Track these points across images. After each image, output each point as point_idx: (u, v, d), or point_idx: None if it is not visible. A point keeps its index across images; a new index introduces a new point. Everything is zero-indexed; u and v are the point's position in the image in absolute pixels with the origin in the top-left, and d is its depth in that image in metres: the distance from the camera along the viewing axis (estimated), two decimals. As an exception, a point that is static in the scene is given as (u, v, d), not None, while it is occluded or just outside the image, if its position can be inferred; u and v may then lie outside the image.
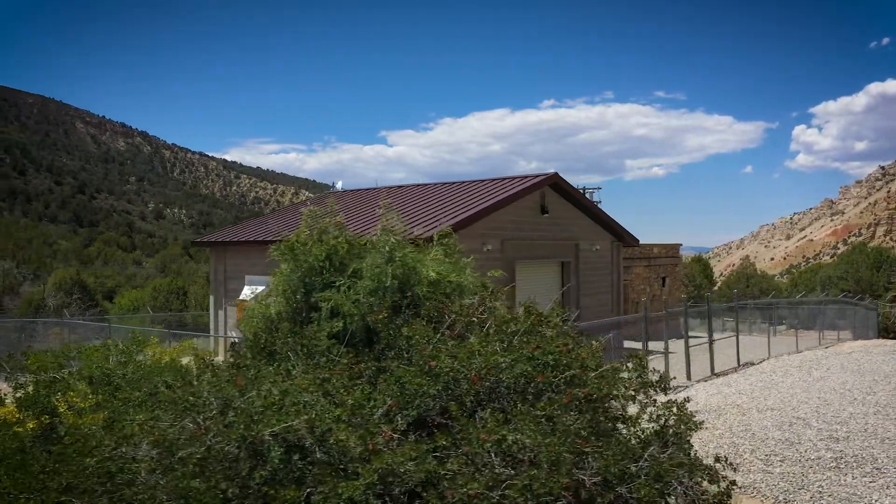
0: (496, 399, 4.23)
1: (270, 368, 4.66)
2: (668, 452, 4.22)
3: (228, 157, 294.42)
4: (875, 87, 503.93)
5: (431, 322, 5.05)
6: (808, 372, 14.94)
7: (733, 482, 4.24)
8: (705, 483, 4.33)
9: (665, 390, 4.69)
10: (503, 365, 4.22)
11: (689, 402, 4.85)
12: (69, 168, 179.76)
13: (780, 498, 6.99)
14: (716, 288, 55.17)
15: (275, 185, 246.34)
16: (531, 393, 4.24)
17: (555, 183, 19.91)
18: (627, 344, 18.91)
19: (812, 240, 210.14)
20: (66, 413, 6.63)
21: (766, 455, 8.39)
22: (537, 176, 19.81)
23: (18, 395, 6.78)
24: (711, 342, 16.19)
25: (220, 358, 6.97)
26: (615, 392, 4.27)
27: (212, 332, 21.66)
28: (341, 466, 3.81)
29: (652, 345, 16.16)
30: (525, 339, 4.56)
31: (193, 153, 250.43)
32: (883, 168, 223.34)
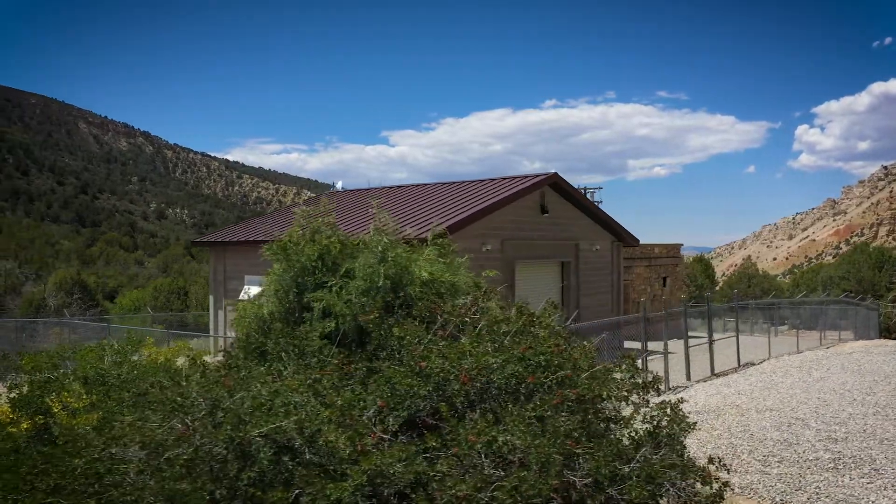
0: (487, 400, 4.20)
1: (262, 369, 4.64)
2: (660, 454, 4.19)
3: (230, 158, 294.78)
4: (878, 87, 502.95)
5: (424, 322, 5.02)
6: (808, 372, 14.89)
7: (726, 483, 4.21)
8: (699, 485, 4.30)
9: (658, 391, 4.66)
10: (494, 365, 4.19)
11: (682, 402, 4.82)
12: (72, 168, 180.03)
13: (777, 499, 6.96)
14: (717, 288, 55.05)
15: (277, 186, 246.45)
16: (522, 394, 4.21)
17: (554, 183, 19.88)
18: (628, 344, 18.87)
19: (814, 240, 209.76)
20: (60, 413, 6.62)
21: (764, 456, 8.36)
22: (537, 176, 19.78)
23: (13, 395, 6.77)
24: (711, 342, 16.15)
25: (215, 358, 6.95)
26: (606, 393, 4.24)
27: (211, 332, 21.66)
28: (331, 468, 3.79)
29: (652, 345, 16.13)
30: (516, 340, 4.53)
31: (195, 153, 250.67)
32: (886, 168, 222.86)
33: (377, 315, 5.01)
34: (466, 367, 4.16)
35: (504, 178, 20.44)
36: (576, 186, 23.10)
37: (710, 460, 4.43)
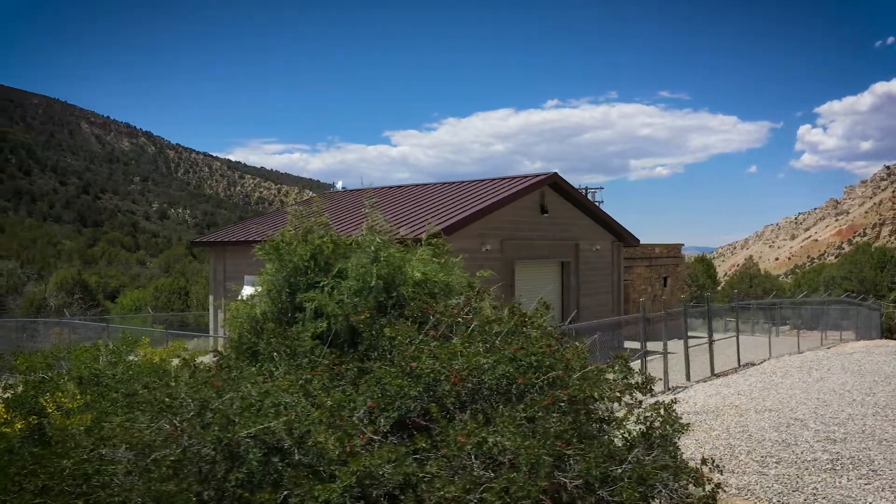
0: (479, 401, 4.18)
1: (253, 369, 4.62)
2: (652, 455, 4.16)
3: (232, 158, 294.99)
4: (880, 87, 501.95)
5: (416, 322, 5.00)
6: (808, 373, 14.85)
7: (718, 485, 4.18)
8: (692, 486, 4.27)
9: (651, 392, 4.63)
10: (485, 366, 4.17)
11: (676, 403, 4.79)
12: (74, 168, 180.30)
13: (774, 500, 6.92)
14: (719, 288, 54.96)
15: (279, 186, 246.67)
16: (514, 394, 4.19)
17: (554, 182, 19.84)
18: (628, 344, 18.84)
19: (817, 240, 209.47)
20: (54, 414, 6.60)
21: (762, 456, 8.33)
22: (536, 176, 19.74)
23: (7, 395, 6.75)
24: (711, 342, 16.12)
25: (213, 358, 6.92)
26: (597, 394, 4.21)
27: (211, 332, 21.66)
28: (321, 469, 3.76)
29: (653, 345, 16.10)
30: (507, 340, 4.50)
31: (197, 153, 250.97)
32: (888, 168, 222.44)
33: (368, 315, 4.98)
34: (457, 367, 4.14)
35: (504, 178, 20.40)
36: (577, 186, 23.07)
37: (704, 461, 4.40)
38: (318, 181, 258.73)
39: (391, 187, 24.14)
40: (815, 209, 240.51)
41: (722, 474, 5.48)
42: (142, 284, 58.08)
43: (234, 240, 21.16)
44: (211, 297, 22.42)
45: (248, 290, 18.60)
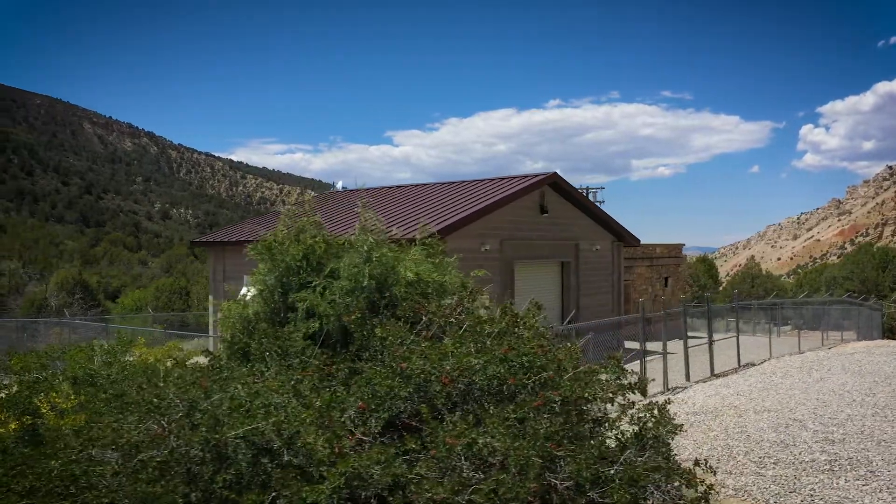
0: (470, 401, 4.15)
1: (244, 370, 4.59)
2: (645, 456, 4.13)
3: (234, 158, 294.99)
4: (883, 87, 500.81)
5: (408, 323, 4.97)
6: (808, 373, 14.80)
7: (710, 486, 4.15)
8: (684, 488, 4.24)
9: (643, 393, 4.60)
10: (476, 367, 4.14)
11: (671, 403, 4.76)
12: (76, 168, 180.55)
13: (771, 501, 6.88)
14: (721, 288, 54.89)
15: (281, 186, 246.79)
16: (505, 395, 4.16)
17: (554, 182, 19.80)
18: (628, 344, 18.80)
19: (819, 240, 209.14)
20: (48, 414, 6.58)
21: (760, 457, 8.29)
22: (536, 175, 19.71)
23: (1, 395, 6.73)
24: (711, 343, 16.07)
25: (202, 358, 6.91)
26: (588, 394, 4.17)
27: (211, 332, 21.65)
28: (310, 469, 3.74)
29: (654, 345, 16.07)
30: (497, 341, 4.47)
31: (200, 153, 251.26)
32: (891, 168, 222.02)
33: (359, 315, 4.96)
34: (448, 368, 4.11)
35: (503, 178, 20.37)
36: (578, 186, 23.05)
37: (697, 462, 4.37)
38: (320, 181, 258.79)
39: (391, 187, 24.13)
40: (818, 209, 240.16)
41: (715, 475, 5.45)
42: (143, 284, 58.10)
43: (234, 240, 21.14)
44: (211, 297, 22.42)
45: (246, 291, 18.63)
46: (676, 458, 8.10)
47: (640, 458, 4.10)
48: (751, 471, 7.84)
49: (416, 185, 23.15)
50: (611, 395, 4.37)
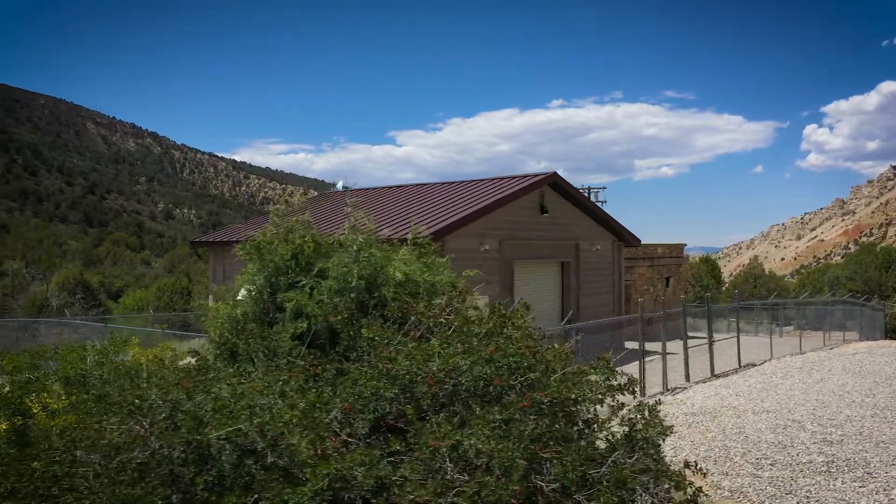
0: (456, 403, 4.11)
1: (230, 370, 4.56)
2: (633, 458, 4.08)
3: (238, 158, 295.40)
4: (887, 86, 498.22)
5: (396, 323, 4.94)
6: (808, 373, 14.74)
7: (699, 489, 4.10)
8: (674, 490, 4.19)
9: (634, 393, 4.54)
10: (463, 367, 4.10)
11: (661, 404, 4.71)
12: (80, 169, 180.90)
13: (766, 503, 6.83)
14: (724, 289, 54.77)
15: (284, 186, 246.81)
16: (492, 396, 4.11)
17: (554, 182, 19.75)
18: (629, 344, 18.73)
19: (823, 240, 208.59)
20: (39, 415, 6.55)
21: (757, 458, 8.24)
22: (536, 175, 19.65)
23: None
24: (711, 343, 16.01)
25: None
26: (576, 395, 4.13)
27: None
28: (293, 471, 3.70)
29: (655, 346, 16.00)
30: (484, 342, 4.43)
31: (203, 153, 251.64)
32: (895, 168, 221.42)
33: (345, 315, 4.92)
34: (435, 368, 4.07)
35: (503, 178, 20.32)
36: (580, 186, 23.02)
37: (687, 464, 4.32)
38: (322, 181, 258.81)
39: (391, 187, 24.11)
40: (822, 209, 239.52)
41: (706, 477, 5.40)
42: (146, 284, 58.15)
43: (234, 240, 21.08)
44: (211, 297, 22.42)
45: (245, 291, 18.60)
46: (674, 459, 8.07)
47: (628, 460, 4.05)
48: (747, 472, 7.79)
49: (416, 185, 23.12)
50: (599, 396, 4.32)
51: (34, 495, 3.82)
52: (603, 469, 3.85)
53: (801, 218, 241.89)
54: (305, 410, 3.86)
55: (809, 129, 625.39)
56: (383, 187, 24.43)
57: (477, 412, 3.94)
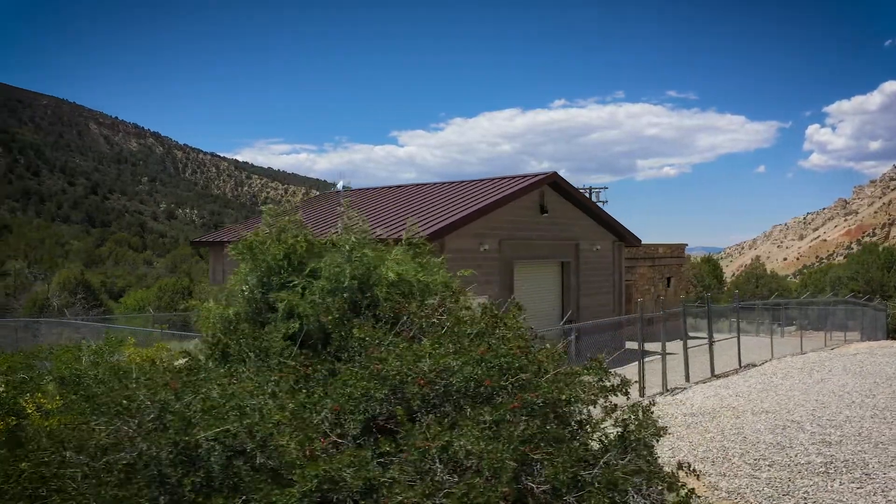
0: (447, 403, 4.08)
1: (221, 371, 4.54)
2: (626, 459, 4.05)
3: (240, 158, 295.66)
4: (890, 86, 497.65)
5: (389, 323, 4.91)
6: (808, 374, 14.68)
7: (692, 490, 4.07)
8: (666, 492, 4.16)
9: (627, 395, 4.51)
10: (454, 368, 4.07)
11: (654, 405, 4.68)
12: (82, 169, 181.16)
13: (764, 504, 6.80)
14: (725, 289, 54.69)
15: (286, 186, 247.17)
16: (483, 397, 4.09)
17: (554, 182, 19.72)
18: (630, 345, 18.70)
19: (825, 240, 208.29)
20: (34, 415, 6.53)
21: (755, 459, 8.20)
22: (536, 175, 19.62)
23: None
24: (711, 343, 15.97)
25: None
26: (566, 396, 4.09)
27: (211, 332, 21.63)
28: (282, 472, 3.68)
29: (655, 346, 15.96)
30: (475, 342, 4.40)
31: (205, 154, 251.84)
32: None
33: (337, 315, 4.90)
34: (426, 368, 4.04)
35: (503, 178, 20.30)
36: (582, 186, 22.99)
37: (680, 466, 4.29)
38: (324, 181, 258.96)
39: (391, 187, 24.10)
40: (824, 209, 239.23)
41: (699, 479, 5.36)
42: (148, 284, 58.18)
43: (233, 240, 21.11)
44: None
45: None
46: (671, 459, 8.04)
47: (621, 462, 4.02)
48: (745, 473, 7.75)
49: (416, 185, 23.10)
50: (592, 397, 4.29)
51: (22, 496, 3.81)
52: (595, 470, 3.82)
53: (804, 218, 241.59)
54: (295, 411, 3.83)
55: (812, 129, 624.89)
56: (383, 187, 24.43)
57: (467, 413, 3.91)
